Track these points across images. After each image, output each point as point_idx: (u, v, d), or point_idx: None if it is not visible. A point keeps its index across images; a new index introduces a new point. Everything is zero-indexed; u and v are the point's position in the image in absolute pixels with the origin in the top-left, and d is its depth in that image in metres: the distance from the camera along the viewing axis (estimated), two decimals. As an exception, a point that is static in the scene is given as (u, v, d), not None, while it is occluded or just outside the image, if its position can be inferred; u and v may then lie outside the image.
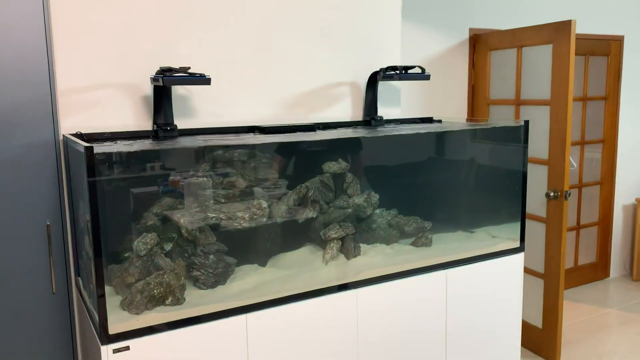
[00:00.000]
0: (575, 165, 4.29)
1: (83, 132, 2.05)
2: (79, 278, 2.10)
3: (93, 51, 2.05)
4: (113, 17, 2.07)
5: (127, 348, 1.69)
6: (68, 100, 2.03)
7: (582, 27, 4.06)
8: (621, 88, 4.41)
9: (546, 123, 3.20)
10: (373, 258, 2.28)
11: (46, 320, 2.07)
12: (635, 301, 4.23)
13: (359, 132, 2.45)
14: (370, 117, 2.65)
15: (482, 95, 3.63)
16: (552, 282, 3.27)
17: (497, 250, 2.49)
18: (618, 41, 4.33)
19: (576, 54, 4.08)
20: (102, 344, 1.67)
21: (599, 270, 4.67)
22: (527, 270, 3.42)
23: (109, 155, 1.81)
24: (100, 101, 2.09)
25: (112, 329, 1.68)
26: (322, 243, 2.24)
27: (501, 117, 3.54)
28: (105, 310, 1.67)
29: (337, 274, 2.17)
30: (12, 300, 2.00)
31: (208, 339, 1.83)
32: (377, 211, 2.43)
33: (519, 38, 3.34)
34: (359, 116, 2.67)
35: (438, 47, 3.48)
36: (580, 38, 4.06)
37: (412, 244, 2.44)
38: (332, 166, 2.32)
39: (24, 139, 1.97)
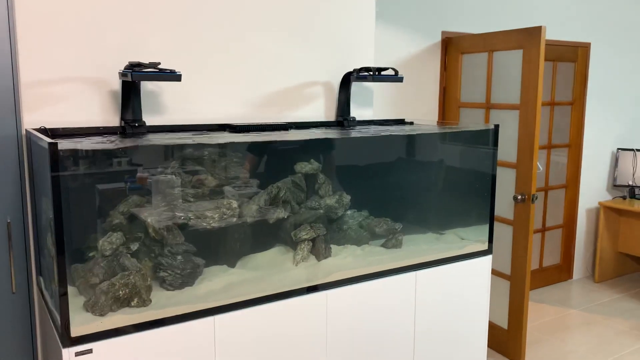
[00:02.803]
0: (541, 168, 4.38)
1: (47, 127, 1.98)
2: (41, 277, 2.04)
3: (59, 43, 1.98)
4: (80, 8, 2.00)
5: (90, 351, 1.64)
6: (32, 93, 1.96)
7: (551, 34, 4.15)
8: (587, 94, 4.52)
9: (515, 127, 3.25)
10: (344, 259, 2.27)
11: (5, 320, 2.00)
12: (597, 302, 4.35)
13: (332, 133, 2.44)
14: (343, 117, 2.64)
15: (454, 98, 3.66)
16: (518, 283, 3.32)
17: (466, 252, 2.52)
18: (585, 48, 4.43)
19: (545, 60, 4.15)
20: (64, 347, 1.61)
21: (562, 271, 4.78)
22: (493, 272, 3.47)
23: (74, 151, 1.75)
24: (65, 95, 2.02)
25: (75, 331, 1.63)
26: (293, 244, 2.22)
27: (472, 120, 3.58)
28: (68, 311, 1.62)
29: (307, 275, 2.16)
30: (-31, 300, 1.93)
31: (175, 342, 1.79)
32: (349, 212, 2.42)
33: (490, 42, 3.38)
34: (331, 116, 2.66)
35: (411, 49, 3.50)
36: (549, 44, 4.14)
37: (383, 245, 2.44)
38: (304, 166, 2.30)
39: (-16, 132, 1.89)
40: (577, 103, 4.51)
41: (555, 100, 4.38)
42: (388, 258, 2.35)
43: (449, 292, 2.46)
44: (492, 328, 3.49)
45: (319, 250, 2.23)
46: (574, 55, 4.43)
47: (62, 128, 1.99)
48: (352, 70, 2.58)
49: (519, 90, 3.21)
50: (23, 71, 1.93)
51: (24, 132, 1.96)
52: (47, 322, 1.88)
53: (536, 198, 3.20)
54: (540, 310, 4.17)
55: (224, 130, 2.29)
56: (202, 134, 2.19)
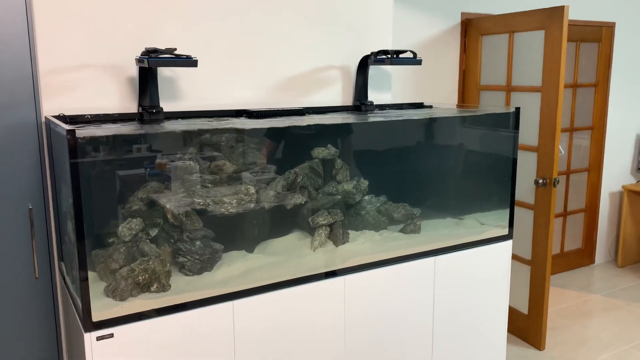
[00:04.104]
0: (563, 152, 4.30)
1: (66, 114, 1.99)
2: (62, 263, 2.07)
3: (76, 30, 1.98)
4: (97, -5, 2.00)
5: (111, 335, 1.67)
6: (50, 81, 1.97)
7: (574, 13, 4.04)
8: (611, 75, 4.41)
9: (536, 110, 3.19)
10: (361, 245, 2.27)
11: (29, 305, 2.03)
12: (619, 287, 4.28)
13: (349, 118, 2.42)
14: (361, 102, 2.61)
15: (473, 81, 3.60)
16: (539, 268, 3.28)
17: (486, 237, 2.49)
18: (609, 28, 4.32)
19: (567, 40, 4.06)
20: (86, 331, 1.64)
21: (584, 256, 4.71)
22: (513, 257, 3.44)
23: (91, 138, 1.76)
24: (83, 82, 2.03)
25: (96, 316, 1.65)
26: (310, 229, 2.22)
27: (492, 103, 3.52)
28: (89, 296, 1.64)
29: (325, 261, 2.15)
30: (-6, 285, 1.96)
31: (194, 327, 1.81)
32: (366, 198, 2.41)
33: (511, 23, 3.31)
34: (349, 101, 2.63)
35: (430, 31, 3.44)
36: (572, 24, 4.04)
37: (401, 230, 2.43)
38: (322, 152, 2.28)
39: (5, 120, 1.91)
40: (601, 85, 4.40)
41: (578, 82, 4.29)
42: (406, 243, 2.34)
43: (469, 278, 2.44)
44: (512, 313, 3.46)
45: (336, 235, 2.22)
46: (598, 36, 4.31)
47: (81, 115, 2.00)
48: (369, 53, 2.55)
49: (540, 72, 3.14)
50: (41, 59, 1.94)
51: (43, 119, 1.97)
52: (70, 307, 1.91)
53: (558, 182, 3.15)
54: (561, 295, 4.12)
55: (241, 116, 2.28)
56: (219, 120, 2.19)
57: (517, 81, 3.34)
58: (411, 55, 2.47)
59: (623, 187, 4.61)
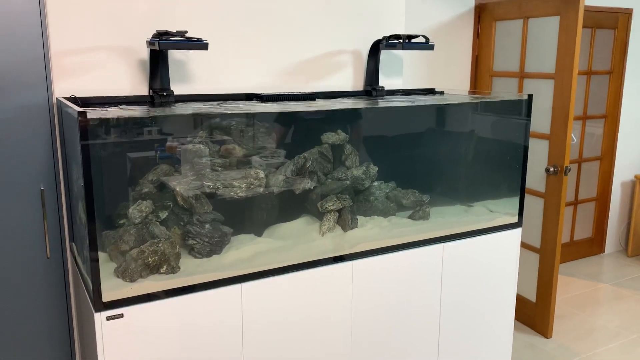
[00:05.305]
0: (575, 139, 4.26)
1: (77, 95, 2.00)
2: (74, 244, 2.09)
3: (88, 12, 1.98)
4: (108, -24, 1.99)
5: (121, 316, 1.69)
6: (62, 63, 1.97)
7: (590, -1, 3.98)
8: (627, 63, 4.34)
9: (549, 97, 3.15)
10: (370, 230, 2.27)
11: (41, 284, 2.06)
12: (629, 277, 4.26)
13: (359, 103, 2.40)
14: (372, 87, 2.60)
15: (486, 67, 3.56)
16: (548, 256, 3.27)
17: (495, 225, 2.48)
18: (626, 14, 4.24)
19: (583, 27, 3.99)
20: (96, 311, 1.66)
21: (594, 245, 4.69)
22: (523, 245, 3.43)
23: (102, 120, 1.77)
24: (95, 64, 2.03)
25: (106, 296, 1.67)
26: (319, 214, 2.22)
27: (504, 90, 3.49)
28: (99, 277, 1.66)
29: (333, 246, 2.16)
30: (6, 265, 1.99)
31: (202, 308, 1.83)
32: (376, 183, 2.40)
33: (526, 9, 3.26)
34: (359, 86, 2.62)
35: (442, 16, 3.40)
36: (588, 10, 3.97)
37: (410, 217, 2.43)
38: (331, 137, 2.28)
39: (17, 101, 1.92)
40: (616, 72, 4.34)
41: (593, 69, 4.23)
42: (415, 230, 2.34)
43: (477, 265, 2.44)
44: (520, 301, 3.46)
45: (345, 221, 2.23)
46: (614, 22, 4.24)
47: (92, 97, 2.01)
48: (381, 38, 2.53)
49: (554, 58, 3.10)
50: (53, 41, 1.95)
51: (54, 100, 1.98)
52: (80, 287, 1.94)
53: (569, 170, 3.13)
54: (570, 284, 4.12)
55: (251, 100, 2.28)
56: (229, 104, 2.19)
57: (531, 68, 3.30)
58: (423, 40, 2.45)
59: (635, 176, 4.57)
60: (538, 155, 3.25)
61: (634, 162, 4.65)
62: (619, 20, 4.25)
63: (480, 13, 3.53)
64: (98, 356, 1.68)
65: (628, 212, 4.75)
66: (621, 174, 4.61)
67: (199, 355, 1.84)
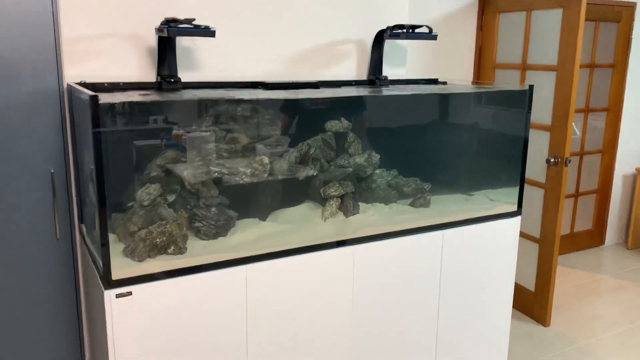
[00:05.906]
0: (578, 133, 4.29)
1: (87, 81, 2.05)
2: (83, 225, 2.15)
3: (98, 0, 2.03)
4: (118, -36, 2.04)
5: (130, 293, 1.75)
6: (73, 48, 2.02)
7: (594, -8, 3.99)
8: (630, 56, 4.36)
9: (551, 89, 3.19)
10: (371, 217, 2.32)
11: (50, 265, 2.12)
12: (628, 269, 4.31)
13: (363, 92, 2.45)
14: (375, 76, 2.64)
15: (489, 59, 3.60)
16: (547, 247, 3.32)
17: (495, 213, 2.53)
18: (630, 8, 4.26)
19: (586, 20, 4.01)
20: (106, 289, 1.72)
21: (594, 237, 4.73)
22: (522, 235, 3.47)
23: (114, 105, 1.82)
24: (104, 51, 2.08)
25: (115, 274, 1.73)
26: (322, 200, 2.27)
27: (507, 82, 3.52)
28: (109, 256, 1.71)
29: (335, 231, 2.21)
30: (17, 245, 2.05)
31: (208, 288, 1.88)
32: (377, 171, 2.45)
33: (529, 1, 3.29)
34: (363, 75, 2.66)
35: (446, 7, 3.43)
36: (591, 3, 3.99)
37: (411, 204, 2.47)
38: (335, 125, 2.33)
39: (29, 86, 1.97)
40: (619, 66, 4.36)
41: (595, 63, 4.25)
42: (415, 217, 2.38)
43: (476, 252, 2.49)
44: (519, 290, 3.51)
45: (347, 207, 2.28)
46: (618, 16, 4.26)
47: (102, 83, 2.06)
48: (385, 28, 2.57)
49: (556, 51, 3.13)
50: (64, 27, 2.00)
51: (65, 86, 2.03)
52: (89, 267, 2.00)
53: (569, 161, 3.17)
54: (569, 275, 4.16)
55: (257, 87, 2.33)
56: (235, 91, 2.24)
57: (533, 60, 3.34)
58: (427, 31, 2.49)
59: (637, 169, 4.60)
60: (539, 146, 3.29)
61: (636, 155, 4.68)
62: (622, 13, 4.27)
63: (484, 5, 3.56)
64: (107, 332, 1.74)
65: (629, 204, 4.79)
66: (622, 167, 4.64)
67: (204, 333, 1.90)
